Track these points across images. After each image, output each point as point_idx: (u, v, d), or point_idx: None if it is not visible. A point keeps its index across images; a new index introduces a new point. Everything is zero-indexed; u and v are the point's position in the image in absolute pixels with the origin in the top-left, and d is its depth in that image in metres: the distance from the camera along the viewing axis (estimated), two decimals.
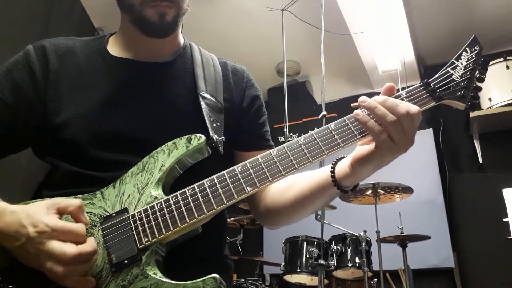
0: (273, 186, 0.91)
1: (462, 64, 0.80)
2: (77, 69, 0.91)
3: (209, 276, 0.71)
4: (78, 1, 2.93)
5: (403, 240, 2.82)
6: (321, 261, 2.45)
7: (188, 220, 0.75)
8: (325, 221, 2.31)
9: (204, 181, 0.78)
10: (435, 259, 3.22)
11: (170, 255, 0.79)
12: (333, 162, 0.82)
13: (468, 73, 0.79)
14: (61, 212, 0.73)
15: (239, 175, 0.77)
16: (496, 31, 3.42)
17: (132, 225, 0.77)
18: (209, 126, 0.87)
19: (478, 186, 3.22)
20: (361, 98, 0.74)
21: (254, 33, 3.56)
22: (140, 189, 0.80)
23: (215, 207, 0.76)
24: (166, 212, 0.76)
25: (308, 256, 2.69)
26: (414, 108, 0.72)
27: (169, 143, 0.82)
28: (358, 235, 2.71)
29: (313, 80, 4.30)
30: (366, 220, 2.85)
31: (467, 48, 0.82)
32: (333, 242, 2.74)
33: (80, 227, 0.71)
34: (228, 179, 0.77)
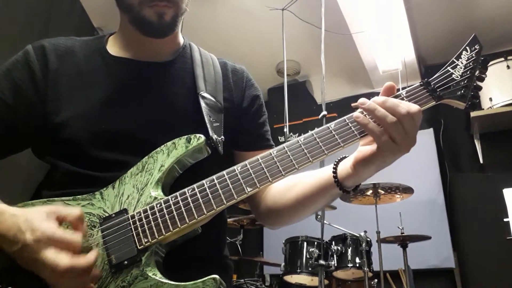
0: (274, 186, 0.90)
1: (462, 63, 0.80)
2: (77, 68, 0.91)
3: (209, 277, 0.71)
4: (77, 1, 2.93)
5: (403, 240, 2.82)
6: (321, 262, 2.45)
7: (187, 221, 0.75)
8: (325, 222, 2.30)
9: (204, 181, 0.78)
10: (435, 259, 3.22)
11: (170, 255, 0.79)
12: (335, 162, 0.82)
13: (468, 72, 0.79)
14: (60, 220, 0.72)
15: (239, 175, 0.77)
16: (497, 31, 3.42)
17: (132, 225, 0.76)
18: (208, 126, 0.87)
19: (479, 186, 3.21)
20: (360, 100, 0.74)
21: (254, 33, 3.56)
22: (139, 190, 0.80)
23: (215, 207, 0.76)
24: (165, 212, 0.76)
25: (308, 256, 2.69)
26: (414, 108, 0.72)
27: (169, 143, 0.82)
28: (358, 235, 2.71)
29: (313, 80, 4.30)
30: (367, 220, 2.85)
31: (467, 47, 0.81)
32: (333, 243, 2.74)
33: (77, 238, 0.71)
34: (228, 179, 0.77)
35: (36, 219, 0.70)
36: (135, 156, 0.83)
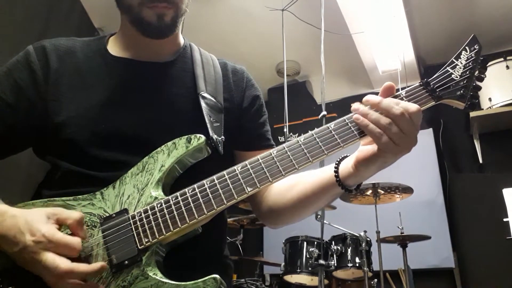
0: (275, 185, 0.91)
1: (461, 63, 0.80)
2: (77, 69, 0.91)
3: (209, 276, 0.71)
4: (78, 1, 2.93)
5: (403, 240, 2.82)
6: (321, 261, 2.45)
7: (188, 221, 0.75)
8: (325, 221, 2.31)
9: (204, 181, 0.78)
10: (435, 259, 3.22)
11: (170, 255, 0.79)
12: (337, 162, 0.82)
13: (467, 72, 0.79)
14: (60, 223, 0.73)
15: (239, 175, 0.77)
16: (496, 31, 3.42)
17: (132, 225, 0.77)
18: (209, 126, 0.87)
19: (478, 186, 3.22)
20: (353, 106, 0.74)
21: (254, 33, 3.56)
22: (140, 190, 0.80)
23: (215, 207, 0.76)
24: (166, 212, 0.76)
25: (308, 256, 2.69)
26: (412, 107, 0.72)
27: (169, 143, 0.82)
28: (358, 235, 2.71)
29: (313, 80, 4.30)
30: (366, 220, 2.85)
31: (466, 47, 0.81)
32: (333, 242, 2.74)
33: (76, 242, 0.71)
34: (228, 179, 0.77)
35: (36, 221, 0.70)
36: (135, 156, 0.83)
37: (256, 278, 3.01)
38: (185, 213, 0.75)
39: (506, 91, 3.18)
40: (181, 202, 0.77)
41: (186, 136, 0.82)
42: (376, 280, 2.68)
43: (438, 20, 3.44)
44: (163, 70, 0.94)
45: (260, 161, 0.77)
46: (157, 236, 0.75)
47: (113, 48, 0.96)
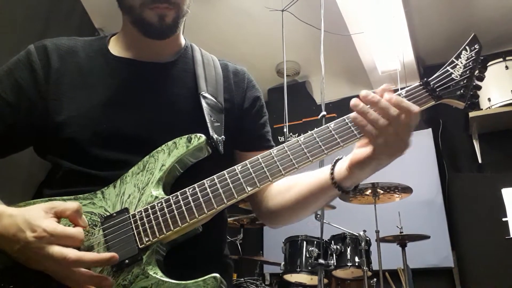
0: (274, 186, 0.91)
1: (461, 63, 0.80)
2: (79, 68, 0.91)
3: (209, 275, 0.72)
4: (78, 1, 2.93)
5: (402, 240, 2.82)
6: (321, 261, 2.45)
7: (188, 220, 0.75)
8: (324, 221, 2.31)
9: (205, 180, 0.78)
10: (434, 258, 3.23)
11: (171, 254, 0.79)
12: (333, 164, 0.82)
13: (467, 72, 0.79)
14: (58, 216, 0.73)
15: (239, 174, 0.77)
16: (495, 32, 3.43)
17: (133, 224, 0.77)
18: (209, 125, 0.87)
19: (477, 186, 3.22)
20: (353, 102, 0.74)
21: (254, 34, 3.56)
22: (140, 189, 0.80)
23: (216, 206, 0.76)
24: (166, 211, 0.77)
25: (307, 255, 2.69)
26: (413, 109, 0.72)
27: (169, 143, 0.82)
28: (357, 234, 2.72)
29: (313, 80, 4.30)
30: (366, 220, 2.86)
31: (466, 47, 0.81)
32: (332, 242, 2.74)
33: (78, 232, 0.72)
34: (228, 179, 0.77)
35: (35, 217, 0.70)
36: (136, 156, 0.83)
37: (256, 277, 3.01)
38: (185, 212, 0.76)
39: (505, 91, 3.18)
40: (181, 201, 0.77)
41: (186, 136, 0.82)
42: (375, 279, 2.68)
43: (437, 21, 3.44)
44: (164, 70, 0.95)
45: (260, 160, 0.78)
46: (158, 235, 0.75)
47: (115, 48, 0.96)
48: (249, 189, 0.76)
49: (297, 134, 3.80)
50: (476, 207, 3.11)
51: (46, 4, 2.54)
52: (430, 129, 3.68)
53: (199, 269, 0.75)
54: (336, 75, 4.01)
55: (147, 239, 0.75)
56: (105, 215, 0.79)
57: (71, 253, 0.68)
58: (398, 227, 2.83)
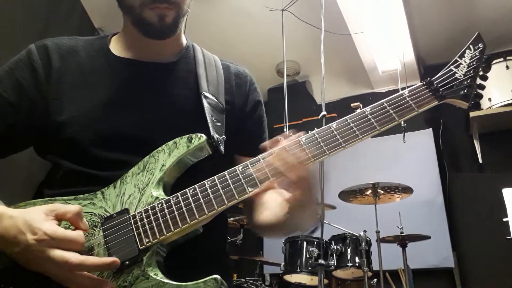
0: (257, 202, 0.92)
1: (465, 62, 0.80)
2: (80, 68, 0.91)
3: (210, 277, 0.71)
4: (78, 1, 2.93)
5: (403, 240, 2.82)
6: (321, 261, 2.45)
7: (189, 221, 0.75)
8: (325, 221, 2.31)
9: (205, 181, 0.78)
10: (435, 259, 3.22)
11: (171, 255, 0.79)
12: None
13: (471, 71, 0.79)
14: (59, 219, 0.72)
15: (240, 175, 0.77)
16: (496, 31, 3.42)
17: (133, 225, 0.77)
18: (210, 125, 0.87)
19: (478, 186, 3.22)
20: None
21: (254, 33, 3.56)
22: (141, 189, 0.80)
23: (216, 207, 0.76)
24: (167, 212, 0.76)
25: (308, 256, 2.69)
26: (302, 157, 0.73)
27: (170, 143, 0.82)
28: (358, 235, 2.71)
29: (313, 80, 4.30)
30: (366, 220, 2.86)
31: (470, 46, 0.81)
32: (333, 242, 2.74)
33: (79, 235, 0.71)
34: (229, 179, 0.77)
35: (36, 220, 0.70)
36: (136, 156, 0.83)
37: (256, 277, 3.01)
38: (185, 213, 0.75)
39: (505, 91, 3.18)
40: (181, 202, 0.76)
41: (187, 136, 0.82)
42: (375, 279, 2.68)
43: (438, 20, 3.44)
44: (166, 70, 0.94)
45: (262, 160, 0.78)
46: (158, 236, 0.75)
47: (116, 47, 0.96)
48: (250, 190, 0.75)
49: None
50: (476, 207, 3.11)
51: (46, 4, 2.54)
52: (430, 129, 3.68)
53: (200, 270, 0.75)
54: (336, 75, 4.01)
55: (147, 240, 0.75)
56: (105, 216, 0.78)
57: (73, 257, 0.68)
58: (398, 227, 2.83)
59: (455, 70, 0.79)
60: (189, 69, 0.97)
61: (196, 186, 0.78)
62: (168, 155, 0.81)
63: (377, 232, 2.73)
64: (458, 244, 3.21)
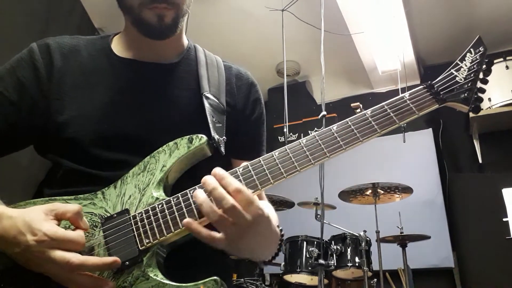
0: None
1: (466, 65, 0.80)
2: (81, 68, 0.91)
3: (210, 278, 0.71)
4: (78, 1, 2.93)
5: (402, 240, 2.82)
6: (321, 261, 2.45)
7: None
8: (325, 221, 2.31)
9: None
10: (434, 259, 3.23)
11: (171, 256, 0.79)
12: None
13: (472, 75, 0.79)
14: (59, 218, 0.72)
15: (240, 176, 0.77)
16: (495, 32, 3.43)
17: (133, 226, 0.77)
18: (211, 126, 0.87)
19: (478, 186, 3.22)
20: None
21: (254, 34, 3.56)
22: (141, 190, 0.80)
23: None
24: (167, 213, 0.76)
25: (308, 256, 2.69)
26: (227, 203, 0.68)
27: (170, 143, 0.82)
28: (358, 235, 2.72)
29: (313, 80, 4.30)
30: (366, 220, 2.86)
31: (471, 49, 0.81)
32: (333, 242, 2.74)
33: (79, 236, 0.71)
34: None
35: (35, 220, 0.70)
36: (137, 156, 0.83)
37: (256, 277, 3.01)
38: (186, 214, 0.75)
39: (505, 91, 3.18)
40: (182, 203, 0.76)
41: (187, 136, 0.82)
42: (375, 279, 2.68)
43: (438, 21, 3.44)
44: (167, 71, 0.94)
45: (262, 162, 0.77)
46: (158, 237, 0.75)
47: (117, 47, 0.96)
48: (250, 191, 0.75)
49: (297, 134, 3.80)
50: (476, 207, 3.11)
51: (46, 4, 2.54)
52: (430, 129, 3.68)
53: (200, 271, 0.75)
54: (336, 75, 4.01)
55: (147, 241, 0.75)
56: (106, 216, 0.78)
57: (74, 257, 0.68)
58: (398, 227, 2.83)
59: (455, 73, 0.79)
60: (191, 70, 0.97)
61: (196, 187, 0.78)
62: (168, 156, 0.81)
63: (377, 232, 2.73)
64: (458, 244, 3.21)
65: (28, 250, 0.68)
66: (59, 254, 0.68)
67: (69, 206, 0.73)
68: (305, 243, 2.74)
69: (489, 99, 3.22)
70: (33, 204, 0.79)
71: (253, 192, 0.75)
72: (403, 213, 2.90)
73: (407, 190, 2.86)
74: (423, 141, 3.62)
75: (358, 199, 3.02)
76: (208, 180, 0.70)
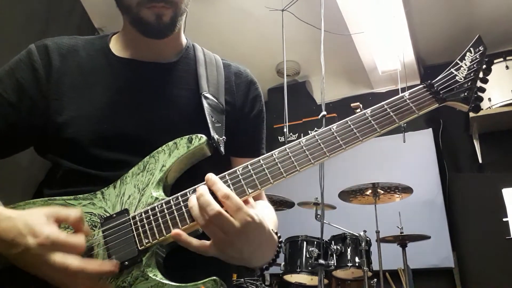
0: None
1: (466, 65, 0.80)
2: (80, 68, 0.91)
3: (209, 278, 0.71)
4: (78, 1, 2.93)
5: (402, 240, 2.82)
6: (321, 261, 2.45)
7: (188, 222, 0.75)
8: (325, 221, 2.31)
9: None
10: (434, 259, 3.23)
11: (171, 256, 0.79)
12: None
13: (472, 74, 0.79)
14: (60, 222, 0.72)
15: (240, 176, 0.77)
16: (495, 31, 3.43)
17: (133, 226, 0.76)
18: (210, 126, 0.87)
19: (478, 186, 3.22)
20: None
21: (254, 34, 3.56)
22: (140, 190, 0.80)
23: None
24: (166, 213, 0.76)
25: (308, 256, 2.69)
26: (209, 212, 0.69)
27: (170, 143, 0.82)
28: (358, 235, 2.72)
29: (313, 80, 4.30)
30: (366, 220, 2.86)
31: (471, 49, 0.81)
32: (333, 242, 2.74)
33: (81, 240, 0.71)
34: (229, 181, 0.77)
35: (37, 223, 0.69)
36: (136, 156, 0.83)
37: (256, 277, 3.01)
38: (185, 214, 0.75)
39: (505, 91, 3.18)
40: (181, 203, 0.76)
41: (187, 136, 0.82)
42: (375, 279, 2.68)
43: (438, 20, 3.44)
44: (166, 70, 0.94)
45: (262, 162, 0.77)
46: (157, 237, 0.75)
47: (116, 47, 0.96)
48: (250, 191, 0.75)
49: (297, 134, 3.80)
50: (476, 207, 3.11)
51: (46, 4, 2.54)
52: (430, 129, 3.68)
53: (199, 271, 0.75)
54: (336, 75, 4.01)
55: (147, 241, 0.75)
56: (105, 216, 0.78)
57: (74, 262, 0.68)
58: (398, 227, 2.83)
59: (455, 72, 0.80)
60: (189, 69, 0.96)
61: (196, 187, 0.78)
62: (168, 156, 0.81)
63: (377, 232, 2.73)
64: (458, 244, 3.21)
65: (27, 252, 0.68)
66: (58, 258, 0.68)
67: (71, 211, 0.73)
68: (305, 243, 2.74)
69: (489, 99, 3.22)
70: (32, 204, 0.79)
71: (252, 192, 0.75)
72: (403, 213, 2.90)
73: (407, 190, 2.86)
74: (423, 141, 3.62)
75: (358, 199, 3.02)
76: (201, 186, 0.73)
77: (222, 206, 0.70)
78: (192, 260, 0.83)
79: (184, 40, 1.01)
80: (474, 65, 0.79)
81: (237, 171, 0.77)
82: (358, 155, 3.49)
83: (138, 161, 0.82)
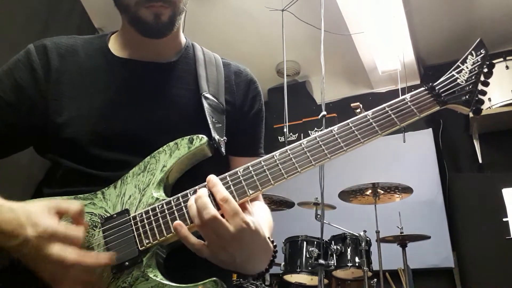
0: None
1: (467, 67, 0.80)
2: (79, 68, 0.91)
3: (209, 279, 0.71)
4: (78, 1, 2.93)
5: (402, 240, 2.83)
6: (321, 261, 2.45)
7: (189, 223, 0.75)
8: (325, 221, 2.31)
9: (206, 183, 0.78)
10: (434, 259, 3.23)
11: (171, 256, 0.79)
12: None
13: (473, 77, 0.79)
14: (61, 214, 0.72)
15: (241, 177, 0.76)
16: (496, 31, 3.43)
17: (133, 226, 0.76)
18: (211, 126, 0.87)
19: (478, 186, 3.22)
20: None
21: (254, 34, 3.56)
22: (141, 190, 0.80)
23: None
24: (167, 214, 0.76)
25: (308, 256, 2.70)
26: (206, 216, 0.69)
27: (171, 144, 0.82)
28: (358, 235, 2.72)
29: (313, 80, 4.30)
30: (366, 220, 2.86)
31: (472, 52, 0.81)
32: (333, 242, 2.75)
33: (79, 233, 0.71)
34: (230, 182, 0.77)
35: (37, 214, 0.69)
36: (137, 156, 0.83)
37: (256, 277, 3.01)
38: (186, 215, 0.75)
39: (505, 91, 3.19)
40: (182, 203, 0.76)
41: (188, 137, 0.82)
42: (375, 279, 2.68)
43: (438, 21, 3.44)
44: (165, 70, 0.94)
45: (263, 163, 0.77)
46: (158, 238, 0.75)
47: (115, 47, 0.95)
48: (250, 192, 0.75)
49: (297, 134, 3.80)
50: (476, 207, 3.12)
51: (46, 4, 2.54)
52: (430, 129, 3.68)
53: (200, 271, 0.75)
54: (336, 75, 4.01)
55: (147, 241, 0.75)
56: (105, 216, 0.78)
57: (71, 254, 0.68)
58: (398, 227, 2.83)
59: (457, 75, 0.80)
60: (189, 69, 0.96)
61: (197, 187, 0.78)
62: (169, 156, 0.81)
63: (377, 232, 2.73)
64: (458, 244, 3.22)
65: (26, 243, 0.67)
66: (56, 249, 0.67)
67: (71, 204, 0.74)
68: (305, 243, 2.74)
69: (489, 99, 3.22)
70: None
71: (253, 193, 0.75)
72: (403, 213, 2.91)
73: (407, 190, 2.86)
74: (423, 141, 3.62)
75: (358, 199, 3.02)
76: (201, 188, 0.73)
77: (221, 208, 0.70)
78: (192, 260, 0.83)
79: (183, 39, 1.00)
80: (476, 68, 0.79)
81: (238, 172, 0.77)
82: (358, 155, 3.47)
83: (138, 161, 0.82)
